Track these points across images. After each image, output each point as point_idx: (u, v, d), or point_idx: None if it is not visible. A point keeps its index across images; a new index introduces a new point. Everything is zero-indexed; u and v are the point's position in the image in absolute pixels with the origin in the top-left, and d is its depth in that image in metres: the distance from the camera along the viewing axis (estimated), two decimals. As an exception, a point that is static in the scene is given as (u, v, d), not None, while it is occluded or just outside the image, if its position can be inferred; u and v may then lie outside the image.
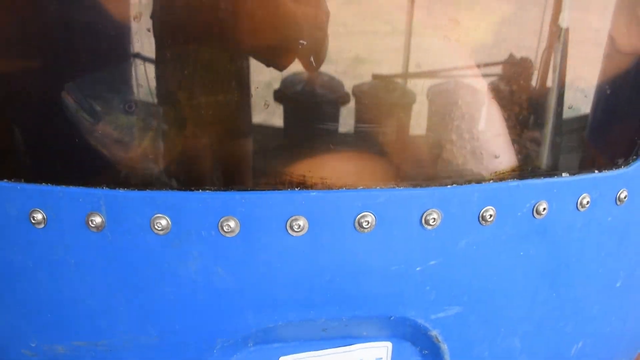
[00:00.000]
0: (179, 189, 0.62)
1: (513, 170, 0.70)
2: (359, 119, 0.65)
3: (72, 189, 0.64)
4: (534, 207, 0.71)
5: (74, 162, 0.67)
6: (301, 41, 0.63)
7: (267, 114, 0.62)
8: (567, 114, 0.74)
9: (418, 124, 0.68)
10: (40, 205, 0.66)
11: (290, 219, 0.63)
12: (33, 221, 0.67)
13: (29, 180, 0.66)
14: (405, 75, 0.64)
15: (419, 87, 0.65)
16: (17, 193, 0.66)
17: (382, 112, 0.66)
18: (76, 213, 0.65)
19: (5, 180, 0.67)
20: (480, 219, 0.68)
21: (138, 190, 0.63)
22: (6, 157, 0.68)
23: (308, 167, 0.62)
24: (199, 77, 0.60)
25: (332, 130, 0.65)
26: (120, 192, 0.63)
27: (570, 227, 0.74)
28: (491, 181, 0.68)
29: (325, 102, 0.64)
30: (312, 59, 0.63)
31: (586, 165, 0.76)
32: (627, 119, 0.77)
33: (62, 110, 0.68)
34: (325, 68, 0.64)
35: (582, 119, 0.75)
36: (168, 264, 0.64)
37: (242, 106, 0.62)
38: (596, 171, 0.75)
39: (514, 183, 0.69)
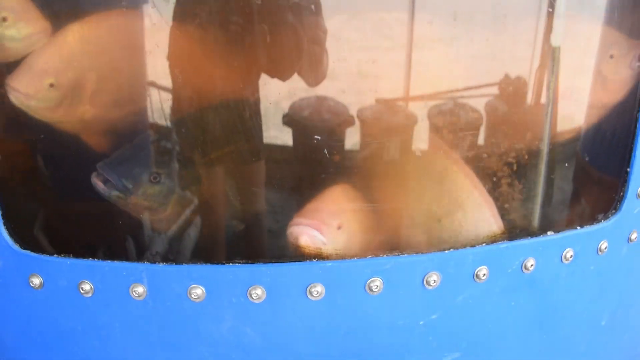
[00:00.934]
0: (212, 262, 0.74)
1: (503, 232, 0.83)
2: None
3: (117, 263, 0.76)
4: (522, 263, 0.83)
5: (118, 239, 0.79)
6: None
7: (285, 199, 0.74)
8: (551, 178, 0.87)
9: (418, 200, 0.81)
10: (88, 277, 0.78)
11: (310, 286, 0.75)
12: (82, 291, 0.79)
13: (77, 255, 0.79)
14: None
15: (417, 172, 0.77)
16: (67, 267, 0.78)
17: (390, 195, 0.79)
18: (121, 284, 0.77)
19: (56, 255, 0.79)
20: (475, 277, 0.81)
21: (176, 264, 0.75)
22: (57, 235, 0.80)
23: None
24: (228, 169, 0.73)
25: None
26: (160, 266, 0.75)
27: (556, 278, 0.87)
28: (483, 244, 0.81)
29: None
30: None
31: (569, 222, 0.88)
32: (605, 180, 0.89)
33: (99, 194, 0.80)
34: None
35: (565, 181, 0.88)
36: (203, 327, 0.76)
37: (266, 193, 0.74)
38: (578, 227, 0.88)
39: (504, 244, 0.81)
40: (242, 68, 0.81)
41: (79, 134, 0.86)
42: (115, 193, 0.79)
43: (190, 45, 0.82)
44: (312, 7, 0.76)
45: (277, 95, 0.78)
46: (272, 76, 0.79)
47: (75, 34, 0.81)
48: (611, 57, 0.84)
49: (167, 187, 0.82)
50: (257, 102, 0.77)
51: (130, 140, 0.85)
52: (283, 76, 0.78)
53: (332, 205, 0.78)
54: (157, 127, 0.86)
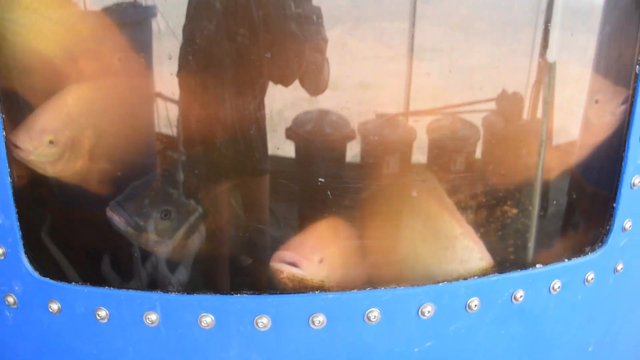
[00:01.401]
0: (221, 293, 0.81)
1: (493, 265, 0.90)
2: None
3: (132, 292, 0.83)
4: (512, 295, 0.90)
5: (133, 269, 0.86)
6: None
7: (289, 235, 0.81)
8: (541, 215, 0.94)
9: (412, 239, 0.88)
10: (104, 304, 0.85)
11: (312, 316, 0.82)
12: (98, 317, 0.86)
13: (94, 283, 0.85)
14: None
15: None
16: (85, 294, 0.85)
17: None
18: (135, 311, 0.84)
19: (74, 283, 0.86)
20: (467, 307, 0.88)
21: (187, 293, 0.82)
22: (74, 264, 0.87)
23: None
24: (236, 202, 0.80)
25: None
26: (173, 295, 0.82)
27: (545, 308, 0.94)
28: (475, 276, 0.87)
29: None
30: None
31: (557, 255, 0.95)
32: (592, 215, 0.96)
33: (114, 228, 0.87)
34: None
35: (553, 217, 0.95)
36: (212, 353, 0.83)
37: (271, 229, 0.81)
38: (566, 260, 0.95)
39: (494, 277, 0.88)
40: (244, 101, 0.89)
41: (80, 184, 0.94)
42: (129, 229, 0.86)
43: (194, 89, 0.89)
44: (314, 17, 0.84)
45: (282, 140, 0.86)
46: (276, 83, 0.86)
47: (74, 95, 0.88)
48: (596, 102, 0.91)
49: (177, 222, 0.89)
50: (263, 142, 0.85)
51: (134, 182, 0.93)
52: (286, 82, 0.86)
53: (315, 239, 0.84)
54: (162, 167, 0.94)
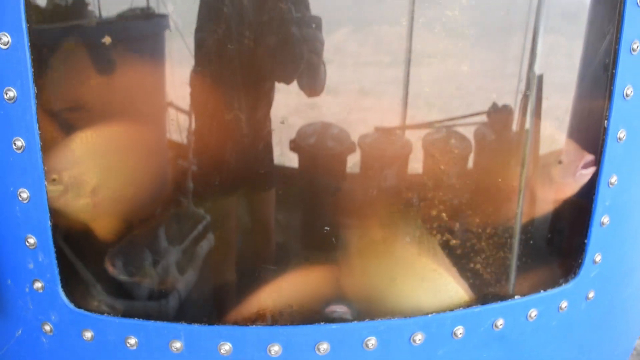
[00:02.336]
0: (238, 324, 0.96)
1: (476, 297, 1.05)
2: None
3: (160, 323, 0.98)
4: (493, 323, 1.06)
5: (160, 301, 1.01)
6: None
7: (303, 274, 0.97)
8: (518, 253, 1.10)
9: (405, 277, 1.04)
10: (133, 333, 1.00)
11: (318, 344, 0.98)
12: (127, 345, 1.01)
13: (125, 314, 1.00)
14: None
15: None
16: (116, 324, 1.00)
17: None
18: (162, 340, 0.99)
19: (106, 314, 1.01)
20: (453, 335, 1.04)
21: (208, 324, 0.97)
22: (106, 297, 1.02)
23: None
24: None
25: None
26: (196, 326, 0.97)
27: (522, 334, 1.10)
28: (460, 308, 1.03)
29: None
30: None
31: (533, 287, 1.11)
32: (565, 250, 1.13)
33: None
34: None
35: (530, 255, 1.11)
36: (230, 376, 0.98)
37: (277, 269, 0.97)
38: (542, 291, 1.11)
39: (477, 308, 1.05)
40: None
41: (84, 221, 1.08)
42: (122, 276, 1.02)
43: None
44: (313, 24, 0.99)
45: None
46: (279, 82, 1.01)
47: (78, 141, 1.02)
48: (560, 162, 1.07)
49: (166, 269, 1.06)
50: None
51: (131, 228, 1.09)
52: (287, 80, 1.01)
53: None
54: (157, 217, 1.10)
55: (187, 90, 1.03)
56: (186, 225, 1.11)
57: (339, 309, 1.01)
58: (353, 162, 1.08)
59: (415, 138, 1.08)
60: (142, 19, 1.06)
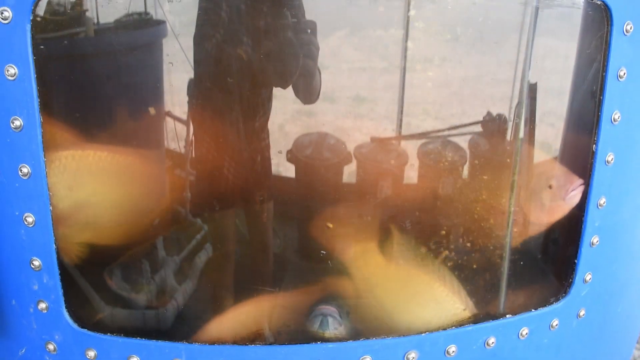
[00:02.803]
0: (238, 344, 1.01)
1: (469, 317, 1.10)
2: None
3: (161, 342, 1.03)
4: (485, 341, 1.11)
5: (162, 322, 1.06)
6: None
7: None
8: (510, 274, 1.15)
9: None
10: (136, 352, 1.05)
11: (315, 363, 1.03)
12: (130, 363, 1.05)
13: (127, 334, 1.05)
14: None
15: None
16: (119, 343, 1.05)
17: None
18: (163, 358, 1.03)
19: (109, 334, 1.06)
20: (446, 353, 1.09)
21: (209, 344, 1.02)
22: (110, 316, 1.07)
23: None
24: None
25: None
26: (196, 345, 1.02)
27: (514, 352, 1.15)
28: (453, 327, 1.08)
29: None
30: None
31: (524, 306, 1.16)
32: (556, 270, 1.18)
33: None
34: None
35: (522, 275, 1.16)
36: (229, 394, 1.03)
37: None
38: (533, 310, 1.16)
39: (470, 327, 1.09)
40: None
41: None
42: (119, 291, 1.07)
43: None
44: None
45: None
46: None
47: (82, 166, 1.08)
48: (550, 187, 1.12)
49: (159, 286, 1.11)
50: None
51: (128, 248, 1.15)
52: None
53: None
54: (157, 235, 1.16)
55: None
56: (187, 244, 1.16)
57: (326, 310, 1.05)
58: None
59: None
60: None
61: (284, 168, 1.19)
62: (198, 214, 1.22)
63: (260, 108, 1.11)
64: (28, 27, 0.92)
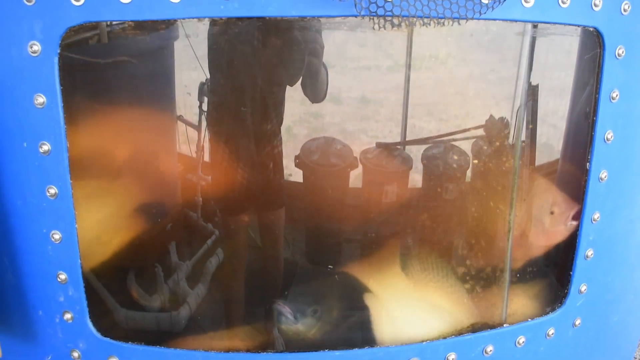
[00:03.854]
0: (250, 352, 1.12)
1: (467, 326, 1.21)
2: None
3: (180, 350, 1.14)
4: (483, 349, 1.22)
5: (182, 332, 1.18)
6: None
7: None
8: (508, 284, 1.25)
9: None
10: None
11: (322, 370, 1.14)
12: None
13: (148, 343, 1.16)
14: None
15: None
16: (140, 351, 1.17)
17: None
18: (181, 365, 1.15)
19: (130, 342, 1.17)
20: (446, 361, 1.19)
21: (225, 352, 1.13)
22: (132, 326, 1.19)
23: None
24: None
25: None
26: (212, 354, 1.13)
27: (511, 359, 1.25)
28: (452, 335, 1.19)
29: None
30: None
31: (522, 316, 1.26)
32: (552, 281, 1.27)
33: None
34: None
35: (519, 286, 1.26)
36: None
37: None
38: (529, 319, 1.26)
39: (469, 336, 1.20)
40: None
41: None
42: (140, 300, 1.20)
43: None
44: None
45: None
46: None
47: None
48: (552, 213, 1.22)
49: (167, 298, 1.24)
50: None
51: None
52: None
53: None
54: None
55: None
56: (205, 257, 1.28)
57: (283, 309, 1.16)
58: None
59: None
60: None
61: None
62: (209, 219, 1.33)
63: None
64: (56, 59, 1.04)
